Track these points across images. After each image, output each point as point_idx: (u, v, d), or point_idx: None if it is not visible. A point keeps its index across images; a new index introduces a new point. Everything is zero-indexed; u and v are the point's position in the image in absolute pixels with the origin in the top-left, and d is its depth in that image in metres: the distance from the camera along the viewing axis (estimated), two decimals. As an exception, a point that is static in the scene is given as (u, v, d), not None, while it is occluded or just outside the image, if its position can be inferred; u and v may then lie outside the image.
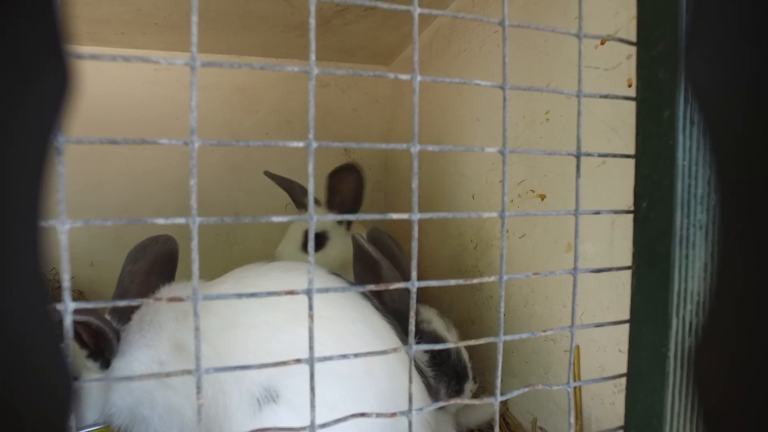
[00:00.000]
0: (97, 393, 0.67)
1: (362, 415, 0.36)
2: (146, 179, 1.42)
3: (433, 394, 0.72)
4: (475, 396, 0.81)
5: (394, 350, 0.36)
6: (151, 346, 0.65)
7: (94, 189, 1.37)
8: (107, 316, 0.69)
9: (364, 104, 1.57)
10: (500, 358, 0.39)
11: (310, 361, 0.34)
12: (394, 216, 0.35)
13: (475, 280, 0.38)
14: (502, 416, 0.81)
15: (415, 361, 0.68)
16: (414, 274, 0.36)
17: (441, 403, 0.40)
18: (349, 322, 0.62)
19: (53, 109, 0.23)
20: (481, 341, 0.39)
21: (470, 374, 0.77)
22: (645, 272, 0.43)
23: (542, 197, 0.73)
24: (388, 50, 1.39)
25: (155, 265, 0.77)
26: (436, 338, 0.76)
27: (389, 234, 0.85)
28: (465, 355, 0.78)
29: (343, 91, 1.55)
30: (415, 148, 0.35)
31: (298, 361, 0.34)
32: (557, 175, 0.72)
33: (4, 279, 0.22)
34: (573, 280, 0.66)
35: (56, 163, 0.30)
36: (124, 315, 0.70)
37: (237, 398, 0.57)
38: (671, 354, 0.40)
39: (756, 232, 0.25)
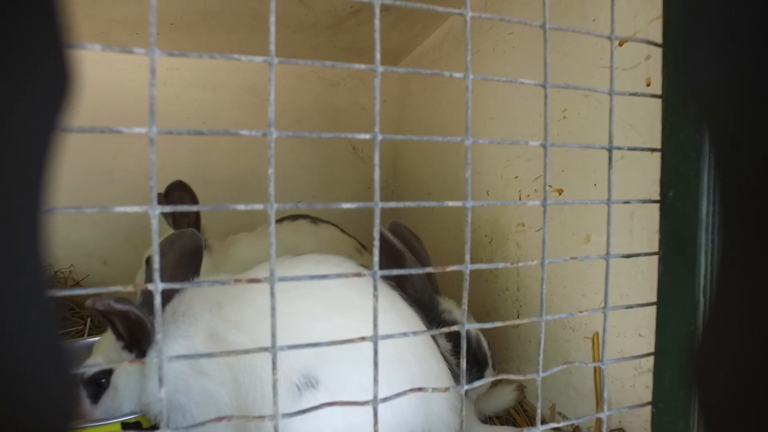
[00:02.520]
0: (133, 383, 0.69)
1: (419, 389, 0.39)
2: (156, 177, 1.43)
3: (456, 381, 0.75)
4: (494, 385, 0.84)
5: (450, 329, 0.39)
6: (186, 337, 0.67)
7: (106, 186, 1.38)
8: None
9: (372, 104, 1.60)
10: (542, 336, 0.42)
11: (374, 339, 0.37)
12: (450, 203, 0.38)
13: (520, 264, 0.41)
14: (520, 403, 0.84)
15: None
16: (467, 257, 0.38)
17: (490, 378, 0.42)
18: (381, 311, 0.65)
19: (53, 105, 0.23)
20: (525, 321, 0.42)
21: (490, 362, 0.80)
22: (671, 257, 0.46)
23: (560, 192, 0.77)
24: (398, 50, 1.41)
25: (182, 259, 0.79)
26: (458, 328, 0.79)
27: (408, 227, 0.88)
28: (485, 344, 0.81)
29: (351, 90, 1.57)
30: (468, 141, 0.38)
31: (363, 338, 0.37)
32: (573, 170, 0.75)
33: (4, 276, 0.22)
34: (592, 269, 0.70)
35: (150, 152, 0.32)
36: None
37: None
38: (699, 332, 0.43)
39: (754, 223, 0.26)
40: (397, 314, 0.66)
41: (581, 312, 0.43)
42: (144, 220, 1.31)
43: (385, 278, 0.73)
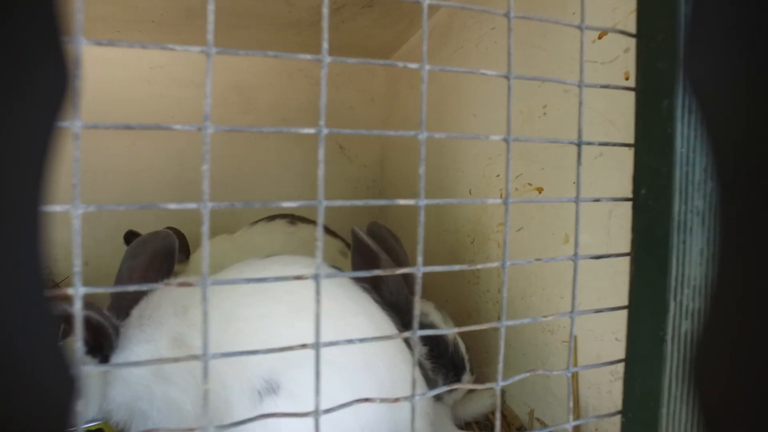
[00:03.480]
0: (95, 389, 0.67)
1: (366, 400, 0.37)
2: (143, 177, 1.41)
3: (432, 385, 0.73)
4: (471, 390, 0.82)
5: (400, 335, 0.37)
6: (150, 341, 0.65)
7: (91, 186, 1.36)
8: (106, 312, 0.68)
9: (360, 102, 1.58)
10: (502, 343, 0.40)
11: (316, 346, 0.35)
12: (401, 202, 0.35)
13: (479, 266, 0.39)
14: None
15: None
16: (420, 259, 0.36)
17: (444, 388, 0.40)
18: (349, 314, 0.62)
19: (53, 101, 0.23)
20: (484, 326, 0.40)
21: (467, 366, 0.78)
22: (643, 258, 0.44)
23: (539, 190, 0.74)
24: (384, 48, 1.39)
25: (154, 261, 0.77)
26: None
27: (388, 228, 0.86)
28: (462, 348, 0.78)
29: (338, 89, 1.55)
30: (423, 135, 0.36)
31: (304, 345, 0.35)
32: (553, 169, 0.73)
33: (4, 276, 0.22)
34: (571, 270, 0.67)
35: (73, 148, 0.30)
36: (123, 310, 0.69)
37: (238, 391, 0.56)
38: (668, 338, 0.41)
39: (754, 222, 0.26)
40: (368, 318, 0.64)
41: (545, 317, 0.41)
42: (127, 221, 1.29)
43: (359, 280, 0.70)
